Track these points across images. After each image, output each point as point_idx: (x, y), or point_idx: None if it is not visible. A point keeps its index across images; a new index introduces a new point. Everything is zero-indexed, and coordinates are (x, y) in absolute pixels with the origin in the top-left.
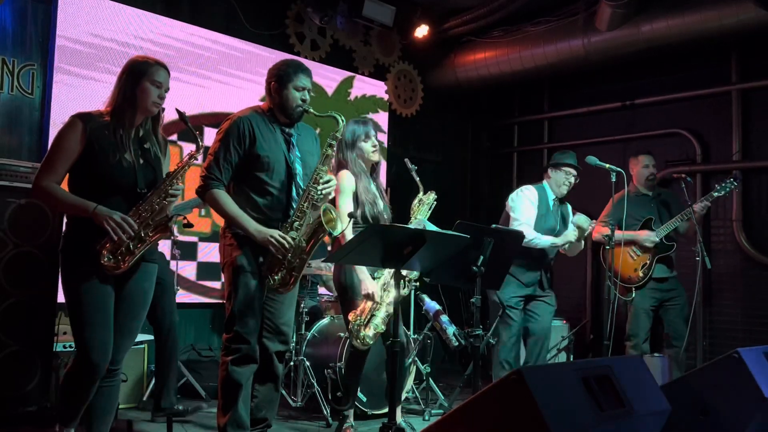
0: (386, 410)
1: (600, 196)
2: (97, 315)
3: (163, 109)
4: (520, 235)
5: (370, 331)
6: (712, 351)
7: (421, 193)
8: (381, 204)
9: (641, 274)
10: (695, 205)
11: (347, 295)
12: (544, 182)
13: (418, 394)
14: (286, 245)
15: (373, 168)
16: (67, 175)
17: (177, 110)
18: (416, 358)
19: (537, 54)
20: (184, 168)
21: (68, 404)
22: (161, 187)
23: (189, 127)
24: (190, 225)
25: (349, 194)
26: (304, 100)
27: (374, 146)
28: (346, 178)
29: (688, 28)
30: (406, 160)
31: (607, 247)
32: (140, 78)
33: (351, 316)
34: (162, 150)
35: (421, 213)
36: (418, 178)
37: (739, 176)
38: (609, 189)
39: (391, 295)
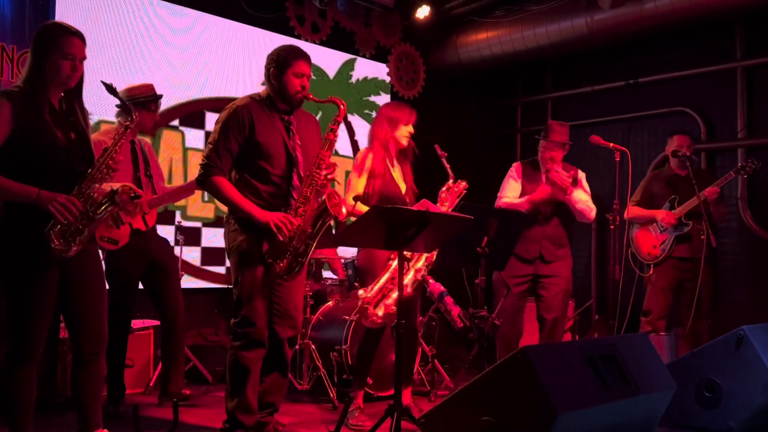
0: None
1: (604, 175)
2: (41, 306)
3: (156, 97)
4: (521, 216)
5: (380, 311)
6: (717, 329)
7: (451, 181)
8: (402, 188)
9: (659, 252)
10: (707, 189)
11: (363, 278)
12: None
13: (423, 376)
14: (290, 226)
15: (403, 151)
16: None
17: (103, 83)
18: (421, 340)
19: (540, 33)
20: (119, 138)
21: (18, 407)
22: (101, 162)
23: (120, 99)
24: (137, 197)
25: (364, 173)
26: (303, 87)
27: (409, 133)
28: (369, 157)
29: (692, 3)
30: (436, 146)
31: (612, 227)
32: (50, 50)
33: (360, 295)
34: (87, 123)
35: (449, 201)
36: (448, 166)
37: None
38: (613, 168)
39: (409, 276)
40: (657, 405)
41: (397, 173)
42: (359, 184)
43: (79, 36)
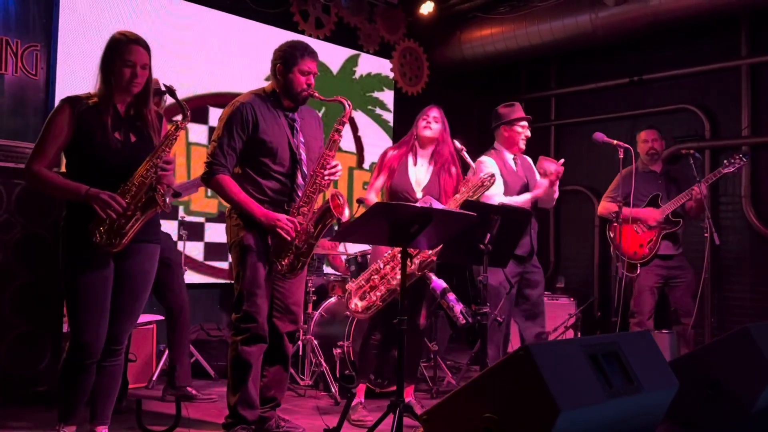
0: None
1: (607, 172)
2: (94, 298)
3: (165, 91)
4: (526, 213)
5: (362, 302)
6: (720, 327)
7: (471, 172)
8: (419, 184)
9: (646, 251)
10: (695, 187)
11: (359, 271)
12: (496, 145)
13: (426, 373)
14: (293, 230)
15: (439, 152)
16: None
17: (164, 85)
18: (424, 338)
19: (544, 30)
20: (169, 139)
21: (69, 395)
22: (148, 162)
23: (177, 100)
24: (178, 194)
25: (384, 171)
26: (309, 84)
27: (426, 122)
28: (387, 154)
29: (697, 0)
30: (455, 141)
31: (615, 224)
32: (113, 59)
33: (347, 286)
34: (155, 128)
35: (469, 191)
36: (469, 158)
37: (748, 152)
38: (616, 165)
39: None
40: (659, 403)
41: (419, 170)
42: (378, 182)
43: (140, 43)
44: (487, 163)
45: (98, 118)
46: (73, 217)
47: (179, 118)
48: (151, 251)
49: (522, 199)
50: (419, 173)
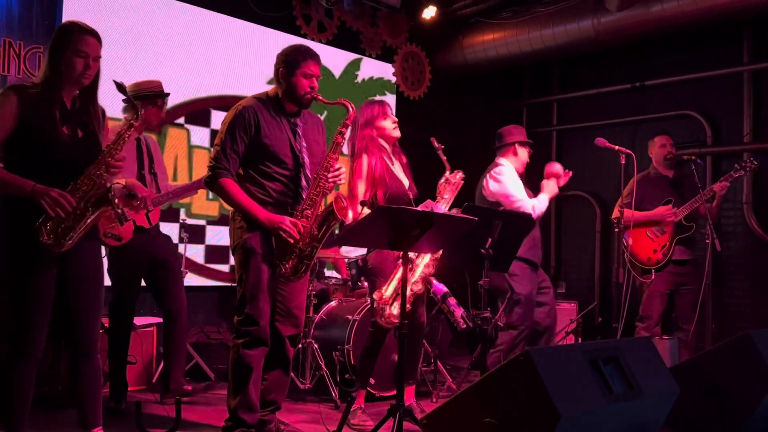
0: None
1: (609, 178)
2: (39, 301)
3: (167, 94)
4: (528, 218)
5: (395, 309)
6: (720, 334)
7: (448, 172)
8: (405, 183)
9: (660, 256)
10: (716, 184)
11: (374, 279)
12: (505, 158)
13: (426, 377)
14: (297, 232)
15: (395, 145)
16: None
17: (114, 81)
18: (424, 341)
19: (546, 35)
20: (121, 137)
21: (13, 403)
22: (100, 160)
23: (128, 97)
24: (132, 195)
25: (364, 179)
26: (312, 87)
27: (394, 122)
28: (364, 162)
29: (699, 6)
30: (433, 139)
31: (616, 230)
32: (64, 49)
33: (376, 295)
34: (99, 123)
35: (448, 193)
36: (445, 158)
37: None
38: (618, 171)
39: (417, 274)
40: (659, 409)
41: (397, 169)
42: (361, 190)
43: (94, 35)
44: (508, 169)
45: (47, 110)
46: (13, 214)
47: (174, 118)
48: (94, 249)
49: (545, 199)
50: (398, 173)
